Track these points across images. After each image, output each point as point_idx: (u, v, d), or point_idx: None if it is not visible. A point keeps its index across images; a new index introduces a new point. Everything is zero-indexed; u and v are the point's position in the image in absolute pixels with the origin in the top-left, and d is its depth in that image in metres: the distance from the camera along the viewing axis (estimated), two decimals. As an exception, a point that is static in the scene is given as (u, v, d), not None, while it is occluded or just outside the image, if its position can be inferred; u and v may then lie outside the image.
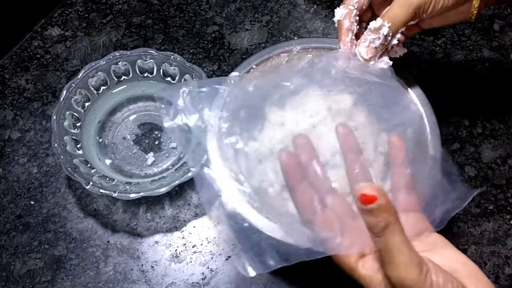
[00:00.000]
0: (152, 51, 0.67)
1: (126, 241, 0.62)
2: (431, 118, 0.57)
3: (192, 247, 0.62)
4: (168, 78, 0.68)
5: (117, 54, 0.67)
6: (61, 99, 0.64)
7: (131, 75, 0.68)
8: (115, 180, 0.61)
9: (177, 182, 0.59)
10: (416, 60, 0.74)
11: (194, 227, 0.63)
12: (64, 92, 0.64)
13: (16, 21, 0.76)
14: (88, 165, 0.62)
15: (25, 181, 0.66)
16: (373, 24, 0.52)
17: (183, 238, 0.63)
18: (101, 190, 0.58)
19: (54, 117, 0.62)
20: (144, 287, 0.60)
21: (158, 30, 0.78)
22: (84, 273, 0.60)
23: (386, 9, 0.53)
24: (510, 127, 0.69)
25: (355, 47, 0.54)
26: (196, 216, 0.64)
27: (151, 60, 0.67)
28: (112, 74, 0.67)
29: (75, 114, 0.65)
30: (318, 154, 0.59)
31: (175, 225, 0.63)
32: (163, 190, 0.59)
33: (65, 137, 0.62)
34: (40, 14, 0.79)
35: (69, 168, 0.59)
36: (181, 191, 0.65)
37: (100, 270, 0.61)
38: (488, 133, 0.69)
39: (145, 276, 0.60)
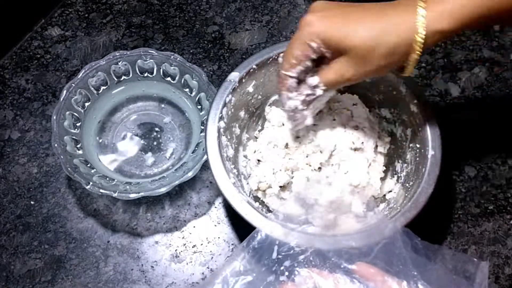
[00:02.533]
0: (152, 51, 0.67)
1: (126, 241, 0.62)
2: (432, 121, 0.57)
3: (192, 247, 0.62)
4: (168, 78, 0.68)
5: (117, 54, 0.67)
6: (61, 99, 0.64)
7: (131, 75, 0.68)
8: (115, 180, 0.61)
9: (177, 182, 0.59)
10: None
11: (194, 227, 0.63)
12: (64, 92, 0.64)
13: (16, 21, 0.76)
14: (88, 165, 0.62)
15: (25, 181, 0.66)
16: (310, 81, 0.52)
17: (183, 238, 0.63)
18: (101, 190, 0.58)
19: (54, 117, 0.62)
20: (144, 287, 0.60)
21: (158, 30, 0.77)
22: (84, 273, 0.60)
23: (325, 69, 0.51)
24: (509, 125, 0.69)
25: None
26: (196, 216, 0.64)
27: (151, 60, 0.67)
28: (112, 74, 0.67)
29: (75, 114, 0.65)
30: (320, 150, 0.59)
31: (175, 225, 0.63)
32: (163, 190, 0.59)
33: (65, 137, 0.62)
34: (40, 14, 0.79)
35: (69, 168, 0.59)
36: (181, 191, 0.65)
37: (100, 270, 0.61)
38: (488, 129, 0.69)
39: (145, 276, 0.60)
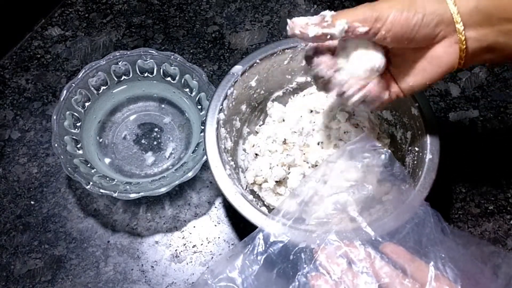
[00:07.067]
0: (152, 51, 0.67)
1: (126, 241, 0.62)
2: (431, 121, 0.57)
3: (192, 247, 0.62)
4: (168, 78, 0.68)
5: (117, 54, 0.67)
6: (61, 99, 0.64)
7: (131, 75, 0.68)
8: (115, 180, 0.61)
9: (177, 182, 0.59)
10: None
11: (194, 227, 0.63)
12: (64, 92, 0.64)
13: (16, 21, 0.76)
14: (88, 165, 0.62)
15: (25, 181, 0.66)
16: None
17: (183, 238, 0.63)
18: (101, 190, 0.58)
19: (54, 117, 0.62)
20: (144, 287, 0.60)
21: (158, 30, 0.77)
22: (84, 273, 0.60)
23: None
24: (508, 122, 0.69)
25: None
26: (196, 216, 0.64)
27: (151, 60, 0.67)
28: (112, 74, 0.67)
29: (75, 114, 0.65)
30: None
31: (175, 225, 0.63)
32: (163, 190, 0.59)
33: (65, 137, 0.62)
34: (40, 14, 0.79)
35: (69, 168, 0.59)
36: (181, 191, 0.65)
37: (100, 270, 0.61)
38: (488, 129, 0.69)
39: (145, 276, 0.60)
